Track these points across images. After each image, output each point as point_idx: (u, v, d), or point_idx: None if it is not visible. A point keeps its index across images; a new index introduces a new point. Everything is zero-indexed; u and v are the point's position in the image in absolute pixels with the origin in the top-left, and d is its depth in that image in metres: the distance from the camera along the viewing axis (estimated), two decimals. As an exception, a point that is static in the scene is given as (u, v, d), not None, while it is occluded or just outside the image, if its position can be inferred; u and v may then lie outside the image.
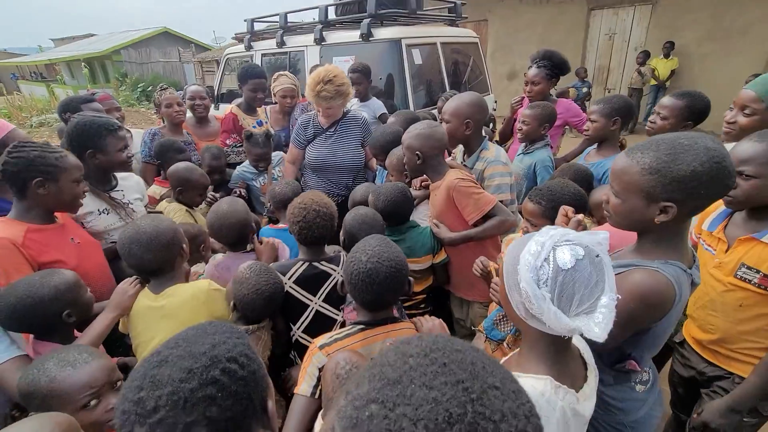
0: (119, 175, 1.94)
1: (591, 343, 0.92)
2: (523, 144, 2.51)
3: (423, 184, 2.01)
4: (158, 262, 1.32)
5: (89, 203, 1.74)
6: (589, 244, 0.74)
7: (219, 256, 1.73)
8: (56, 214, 1.54)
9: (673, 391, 1.55)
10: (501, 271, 0.83)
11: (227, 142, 2.97)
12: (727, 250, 1.29)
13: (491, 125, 3.98)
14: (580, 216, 1.23)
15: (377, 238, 1.15)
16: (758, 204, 1.22)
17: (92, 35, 27.29)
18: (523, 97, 3.02)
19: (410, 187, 2.02)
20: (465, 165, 2.03)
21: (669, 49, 7.37)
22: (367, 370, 0.39)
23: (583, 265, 0.71)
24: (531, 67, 2.87)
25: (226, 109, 3.31)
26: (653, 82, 7.51)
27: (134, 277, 1.39)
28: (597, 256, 0.73)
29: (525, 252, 0.75)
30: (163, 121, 3.01)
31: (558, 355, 0.80)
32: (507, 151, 2.97)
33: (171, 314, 1.29)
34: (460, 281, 1.84)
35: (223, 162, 2.67)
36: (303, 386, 1.12)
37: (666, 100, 1.90)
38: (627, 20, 7.94)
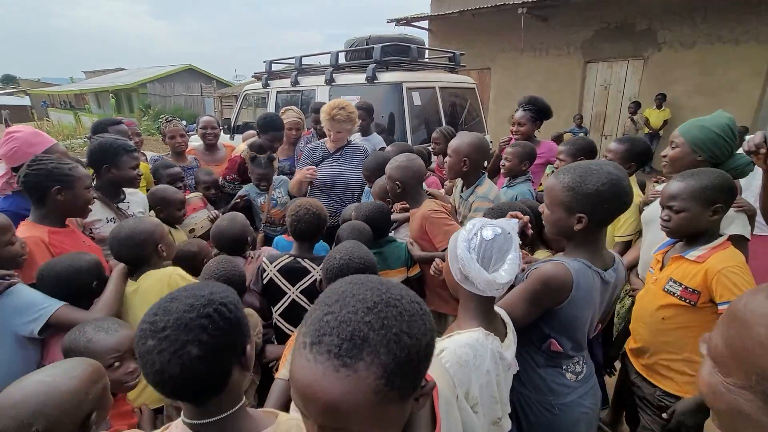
0: (127, 190, 2.18)
1: (518, 331, 1.12)
2: (507, 178, 2.76)
3: (401, 207, 2.22)
4: (131, 256, 1.58)
5: (98, 212, 1.97)
6: (505, 226, 1.03)
7: None
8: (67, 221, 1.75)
9: (624, 406, 1.68)
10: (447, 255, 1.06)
11: (226, 177, 3.15)
12: (661, 269, 1.48)
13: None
14: (527, 218, 1.44)
15: (352, 242, 1.38)
16: (690, 233, 1.41)
17: (122, 69, 29.11)
18: (510, 138, 3.31)
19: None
20: (461, 196, 2.25)
21: (661, 100, 7.79)
22: (314, 306, 0.58)
23: (499, 238, 1.00)
24: (518, 110, 3.18)
25: (239, 146, 3.60)
26: (646, 130, 7.87)
27: None
28: (509, 233, 1.02)
29: (462, 230, 1.04)
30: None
31: (486, 313, 1.05)
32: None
33: (143, 294, 1.54)
34: (434, 297, 2.02)
35: (215, 179, 2.92)
36: (283, 371, 1.29)
37: (612, 144, 2.16)
38: (621, 73, 8.45)
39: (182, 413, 0.78)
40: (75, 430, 0.88)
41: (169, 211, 2.30)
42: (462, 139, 2.14)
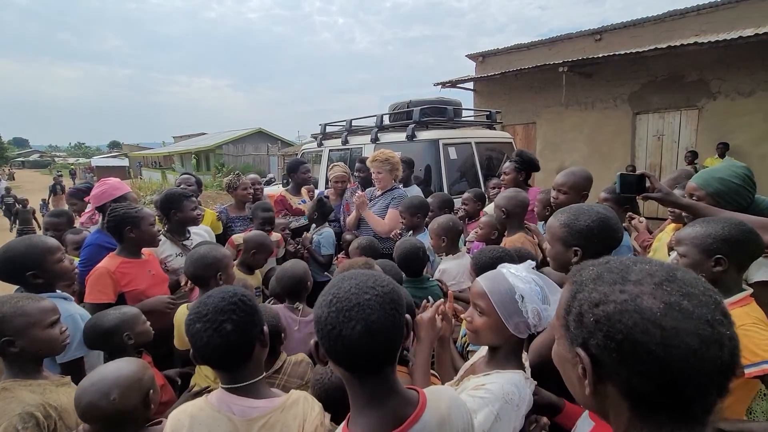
0: (192, 229, 2.64)
1: None
2: None
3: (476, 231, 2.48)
4: (195, 275, 1.98)
5: (169, 248, 2.47)
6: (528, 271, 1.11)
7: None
8: (143, 251, 2.18)
9: None
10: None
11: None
12: None
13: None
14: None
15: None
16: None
17: (204, 133, 33.27)
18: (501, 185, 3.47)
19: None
20: None
21: (723, 149, 7.40)
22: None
23: (539, 279, 1.08)
24: (506, 161, 3.38)
25: (275, 192, 4.23)
26: (708, 180, 7.44)
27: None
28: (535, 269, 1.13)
29: (522, 287, 1.05)
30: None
31: (520, 354, 1.14)
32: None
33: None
34: None
35: (273, 215, 3.15)
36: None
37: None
38: (674, 123, 8.25)
39: (220, 382, 1.05)
40: (140, 402, 1.16)
41: (261, 256, 2.54)
42: (575, 175, 2.15)
